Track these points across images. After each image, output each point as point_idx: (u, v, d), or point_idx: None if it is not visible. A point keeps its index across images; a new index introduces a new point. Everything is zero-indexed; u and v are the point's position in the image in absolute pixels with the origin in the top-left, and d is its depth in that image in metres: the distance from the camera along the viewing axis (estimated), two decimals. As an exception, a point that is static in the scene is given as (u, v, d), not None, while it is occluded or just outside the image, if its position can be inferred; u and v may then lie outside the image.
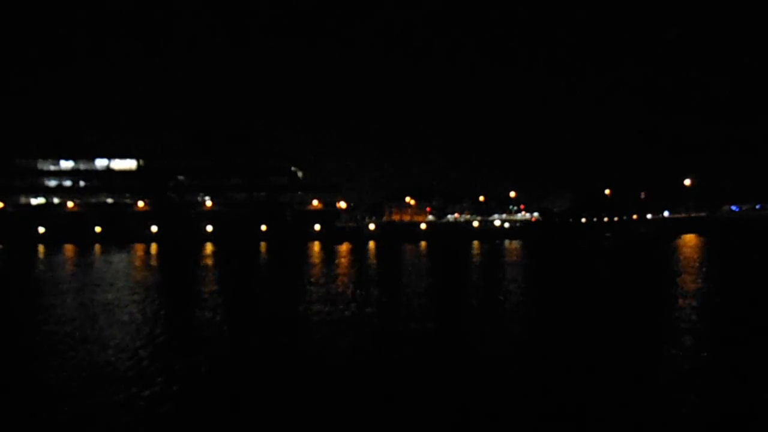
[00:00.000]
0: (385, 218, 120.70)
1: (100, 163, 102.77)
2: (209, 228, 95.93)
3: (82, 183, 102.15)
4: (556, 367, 15.03)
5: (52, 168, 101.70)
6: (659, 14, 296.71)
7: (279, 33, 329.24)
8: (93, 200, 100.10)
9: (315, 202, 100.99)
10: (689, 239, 75.64)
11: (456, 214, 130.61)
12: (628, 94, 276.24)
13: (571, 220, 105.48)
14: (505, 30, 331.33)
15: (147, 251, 68.11)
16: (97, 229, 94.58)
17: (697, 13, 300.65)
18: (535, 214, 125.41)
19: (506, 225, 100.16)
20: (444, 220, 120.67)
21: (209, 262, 52.14)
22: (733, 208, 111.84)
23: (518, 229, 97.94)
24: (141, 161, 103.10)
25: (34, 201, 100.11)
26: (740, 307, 23.60)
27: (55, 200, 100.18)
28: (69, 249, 73.52)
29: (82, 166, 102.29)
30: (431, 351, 17.11)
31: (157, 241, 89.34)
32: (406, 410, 12.05)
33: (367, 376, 14.48)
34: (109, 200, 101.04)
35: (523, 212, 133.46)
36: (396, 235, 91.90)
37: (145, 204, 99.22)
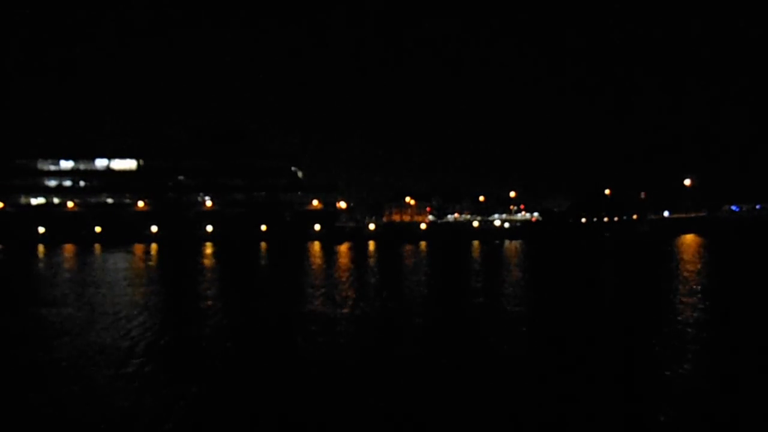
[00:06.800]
0: (385, 218, 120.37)
1: (100, 163, 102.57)
2: (209, 228, 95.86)
3: (82, 183, 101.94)
4: (554, 368, 15.01)
5: (52, 168, 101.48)
6: (659, 15, 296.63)
7: (279, 32, 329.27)
8: (93, 200, 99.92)
9: (315, 202, 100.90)
10: (689, 239, 75.62)
11: (456, 214, 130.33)
12: (628, 94, 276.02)
13: (571, 220, 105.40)
14: (506, 30, 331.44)
15: (147, 251, 68.09)
16: (97, 229, 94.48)
17: (697, 13, 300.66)
18: (535, 214, 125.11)
19: (506, 225, 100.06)
20: (444, 220, 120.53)
21: (209, 262, 52.11)
22: (733, 208, 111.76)
23: (518, 229, 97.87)
24: (141, 161, 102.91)
25: (34, 201, 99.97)
26: (738, 307, 23.57)
27: (55, 200, 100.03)
28: (69, 249, 73.47)
29: (82, 166, 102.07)
30: (431, 352, 17.09)
31: (157, 241, 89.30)
32: (407, 410, 12.04)
33: (367, 377, 14.46)
34: (109, 200, 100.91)
35: (523, 212, 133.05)
36: (396, 235, 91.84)
37: (145, 204, 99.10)
